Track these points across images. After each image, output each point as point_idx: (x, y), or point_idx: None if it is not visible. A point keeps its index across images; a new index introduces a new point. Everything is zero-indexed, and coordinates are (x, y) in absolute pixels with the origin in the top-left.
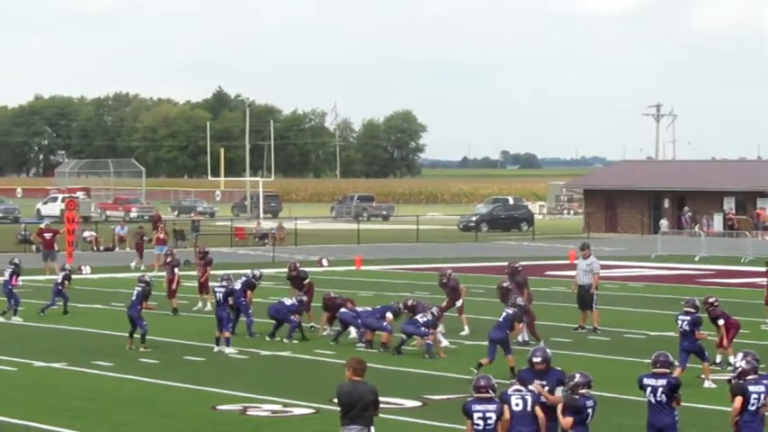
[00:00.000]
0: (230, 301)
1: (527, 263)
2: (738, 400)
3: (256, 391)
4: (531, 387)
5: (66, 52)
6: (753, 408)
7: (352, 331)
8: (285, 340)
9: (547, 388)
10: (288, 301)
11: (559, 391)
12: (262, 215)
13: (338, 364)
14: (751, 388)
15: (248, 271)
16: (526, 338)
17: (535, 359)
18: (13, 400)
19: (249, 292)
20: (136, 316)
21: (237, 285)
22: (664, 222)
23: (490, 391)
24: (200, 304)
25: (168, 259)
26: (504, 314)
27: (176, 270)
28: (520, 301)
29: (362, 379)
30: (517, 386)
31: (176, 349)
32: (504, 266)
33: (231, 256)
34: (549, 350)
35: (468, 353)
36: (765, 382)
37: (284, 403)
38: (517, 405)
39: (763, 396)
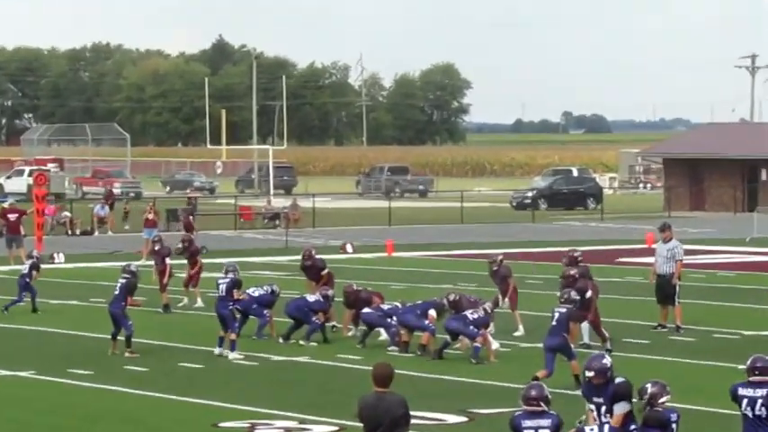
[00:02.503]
0: (236, 294)
1: (595, 248)
2: None
3: (267, 405)
4: (587, 425)
5: None
6: None
7: (383, 332)
8: (302, 342)
9: (604, 407)
10: (311, 298)
11: (620, 408)
12: (272, 191)
13: (365, 371)
14: None
15: (267, 286)
16: (587, 340)
17: (588, 372)
18: None
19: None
20: (119, 314)
21: (255, 293)
22: None
23: (542, 404)
24: (185, 300)
25: (157, 247)
26: (557, 315)
27: (168, 260)
28: (574, 294)
29: (389, 389)
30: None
31: (169, 354)
32: (563, 255)
33: (235, 240)
34: (608, 358)
35: (522, 358)
36: None
37: (300, 419)
38: None
39: None
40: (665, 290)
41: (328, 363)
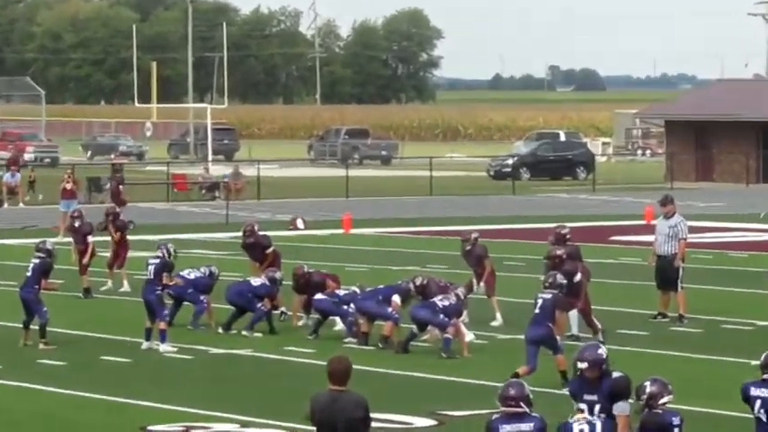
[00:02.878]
0: (165, 279)
1: (585, 224)
2: None
3: (203, 405)
4: (576, 418)
5: None
6: None
7: (339, 321)
8: (245, 333)
9: (598, 406)
10: (255, 281)
11: (621, 408)
12: (211, 157)
13: (318, 366)
14: None
15: (204, 268)
16: (575, 331)
17: (581, 364)
18: None
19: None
20: (32, 299)
21: (190, 275)
22: None
23: (522, 405)
24: (109, 283)
25: (77, 222)
26: (540, 301)
27: (90, 238)
28: (561, 278)
29: (346, 388)
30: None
31: (90, 346)
32: (549, 232)
33: (168, 214)
34: (604, 348)
35: (500, 351)
36: None
37: (242, 422)
38: None
39: None
40: (667, 273)
41: (275, 356)
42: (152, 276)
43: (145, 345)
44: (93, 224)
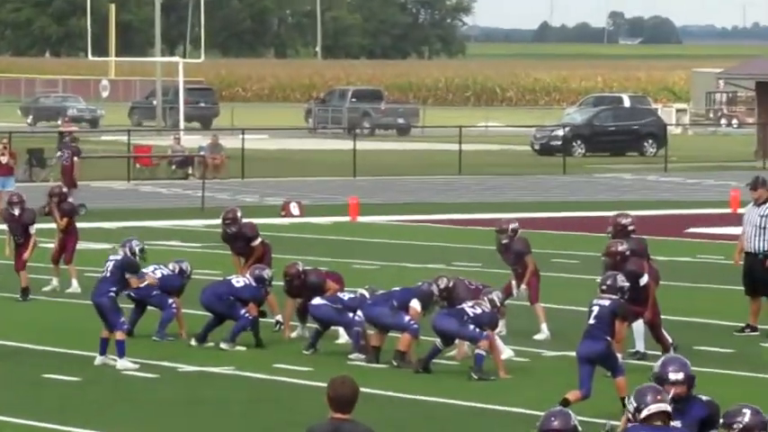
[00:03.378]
0: (133, 281)
1: (655, 212)
2: None
3: None
4: None
5: None
6: None
7: (342, 332)
8: (224, 346)
9: None
10: (237, 282)
11: None
12: (183, 125)
13: (316, 389)
14: None
15: (173, 264)
16: (641, 348)
17: (672, 375)
18: None
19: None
20: None
21: (155, 273)
22: None
23: None
24: (54, 282)
25: (16, 210)
26: (596, 309)
27: (32, 229)
28: (622, 280)
29: (351, 417)
30: None
31: (30, 361)
32: (608, 222)
33: (128, 196)
34: (689, 364)
35: (546, 371)
36: None
37: None
38: None
39: None
40: (758, 275)
41: (262, 376)
42: (108, 274)
43: (98, 360)
44: (35, 211)
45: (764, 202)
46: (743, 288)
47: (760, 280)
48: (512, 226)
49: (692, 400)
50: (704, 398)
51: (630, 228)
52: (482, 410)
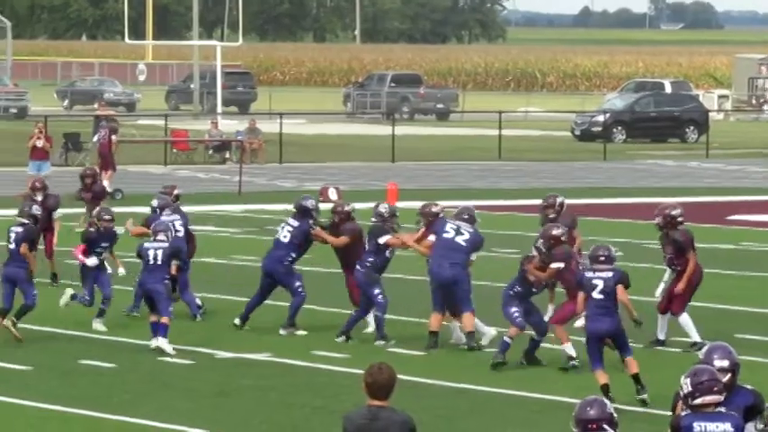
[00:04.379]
0: (174, 267)
1: (697, 199)
2: None
3: (206, 425)
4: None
5: None
6: None
7: (370, 321)
8: (283, 332)
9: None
10: (284, 236)
11: (752, 427)
12: (221, 109)
13: (351, 375)
14: None
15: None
16: (698, 339)
17: (717, 362)
18: None
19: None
20: (23, 278)
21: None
22: None
23: (606, 426)
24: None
25: (39, 196)
26: (602, 282)
27: (55, 214)
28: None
29: (387, 404)
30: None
31: (65, 346)
32: (654, 211)
33: (165, 180)
34: (734, 352)
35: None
36: None
37: None
38: None
39: None
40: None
41: (300, 363)
42: (159, 263)
43: (153, 342)
44: (59, 196)
45: None
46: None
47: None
48: (558, 200)
49: (736, 389)
50: (749, 387)
51: (680, 219)
52: (523, 398)
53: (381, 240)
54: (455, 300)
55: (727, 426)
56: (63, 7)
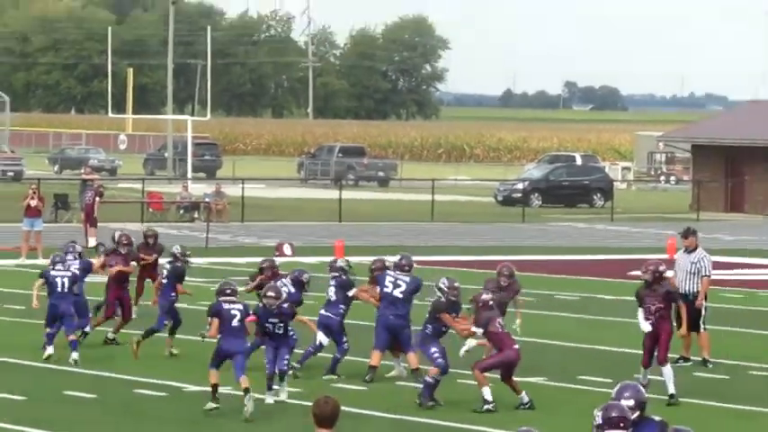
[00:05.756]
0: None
1: (602, 257)
2: None
3: None
4: None
5: None
6: None
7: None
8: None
9: None
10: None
11: None
12: (190, 174)
13: (301, 407)
14: None
15: (174, 248)
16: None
17: (624, 401)
18: None
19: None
20: (167, 306)
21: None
22: None
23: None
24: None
25: (123, 250)
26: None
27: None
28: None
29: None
30: None
31: (50, 379)
32: (642, 268)
33: (141, 236)
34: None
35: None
36: None
37: None
38: None
39: None
40: (689, 312)
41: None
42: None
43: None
44: (163, 246)
45: (694, 250)
46: (675, 323)
47: (691, 317)
48: (508, 269)
49: (646, 421)
50: (657, 418)
51: (666, 274)
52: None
53: (350, 293)
54: (399, 342)
55: None
56: (55, 85)
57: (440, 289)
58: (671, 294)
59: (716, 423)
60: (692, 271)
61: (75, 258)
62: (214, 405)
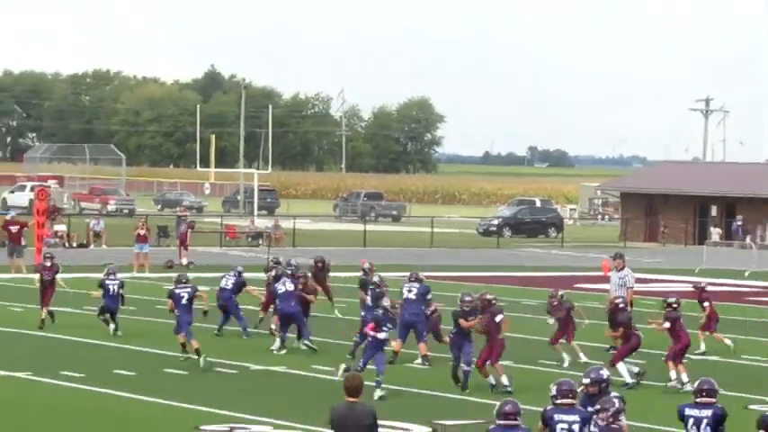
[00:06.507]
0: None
1: (554, 274)
2: None
3: (245, 411)
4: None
5: (40, 22)
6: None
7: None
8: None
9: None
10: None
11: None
12: (256, 212)
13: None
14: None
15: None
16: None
17: (584, 378)
18: None
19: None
20: (232, 304)
21: (228, 285)
22: (716, 231)
23: (518, 419)
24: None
25: (48, 263)
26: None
27: (58, 276)
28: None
29: (359, 400)
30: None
31: (155, 360)
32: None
33: (221, 257)
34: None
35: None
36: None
37: (275, 425)
38: None
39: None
40: (617, 316)
41: (304, 373)
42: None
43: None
44: (59, 266)
45: (622, 269)
46: (608, 323)
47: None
48: (559, 291)
49: (603, 395)
50: (614, 394)
51: (621, 305)
52: (444, 398)
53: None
54: (415, 333)
55: (576, 417)
56: (158, 147)
57: (460, 300)
58: (624, 323)
59: (637, 396)
60: (620, 284)
61: (233, 277)
62: (184, 356)
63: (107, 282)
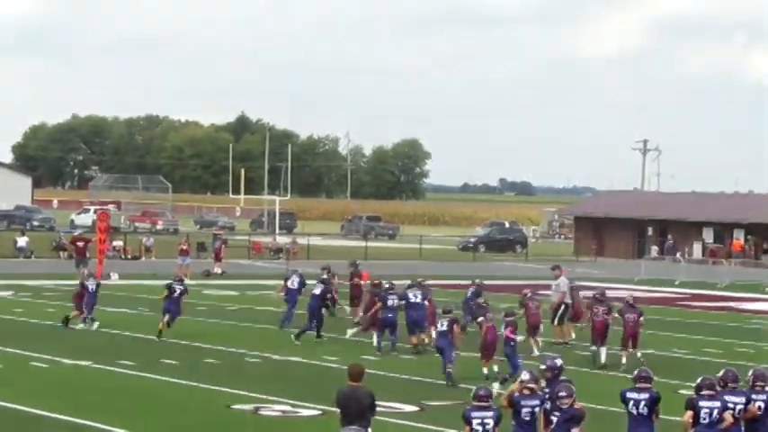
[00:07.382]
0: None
1: (520, 282)
2: (688, 414)
3: (269, 393)
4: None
5: (102, 74)
6: (705, 422)
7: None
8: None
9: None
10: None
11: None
12: (278, 231)
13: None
14: (702, 403)
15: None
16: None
17: (541, 365)
18: (40, 394)
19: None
20: (316, 308)
21: (317, 291)
22: (654, 249)
23: (489, 401)
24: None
25: (85, 271)
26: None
27: (89, 283)
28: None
29: (360, 384)
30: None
31: (196, 351)
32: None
33: (248, 267)
34: (558, 361)
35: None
36: (726, 397)
37: (292, 404)
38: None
39: (716, 411)
40: (556, 313)
41: (315, 362)
42: (318, 292)
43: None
44: (92, 272)
45: (558, 277)
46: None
47: (557, 316)
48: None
49: (556, 380)
50: (564, 378)
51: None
52: (431, 383)
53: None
54: (418, 329)
55: (536, 402)
56: (198, 178)
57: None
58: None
59: (586, 382)
60: (555, 289)
61: (297, 278)
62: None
63: (174, 285)
